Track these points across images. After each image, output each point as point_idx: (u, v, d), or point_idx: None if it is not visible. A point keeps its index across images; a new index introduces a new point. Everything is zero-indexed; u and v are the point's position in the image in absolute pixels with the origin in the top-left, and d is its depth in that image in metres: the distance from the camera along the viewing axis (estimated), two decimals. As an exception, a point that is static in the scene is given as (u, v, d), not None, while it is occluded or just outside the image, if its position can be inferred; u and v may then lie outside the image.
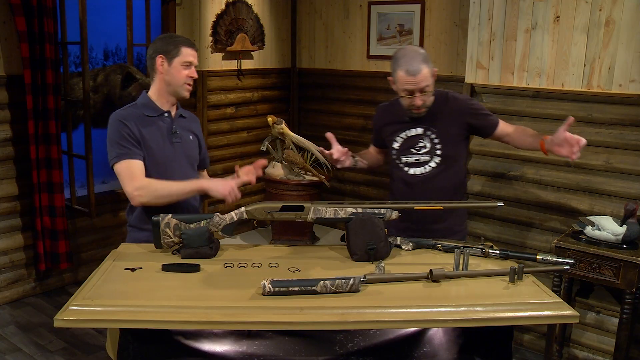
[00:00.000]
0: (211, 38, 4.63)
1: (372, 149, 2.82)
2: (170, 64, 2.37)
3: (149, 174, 2.36)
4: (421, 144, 2.53)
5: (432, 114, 2.50)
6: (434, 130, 2.51)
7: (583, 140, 2.21)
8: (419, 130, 2.53)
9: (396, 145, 2.58)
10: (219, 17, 4.65)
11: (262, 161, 2.49)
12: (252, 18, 4.86)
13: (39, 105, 3.63)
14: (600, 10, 3.01)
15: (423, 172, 2.53)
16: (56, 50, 3.66)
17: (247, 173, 2.46)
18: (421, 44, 4.49)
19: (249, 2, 4.83)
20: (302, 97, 5.35)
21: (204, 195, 2.47)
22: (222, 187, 2.31)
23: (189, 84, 2.41)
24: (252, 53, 4.97)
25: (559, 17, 3.15)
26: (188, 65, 2.39)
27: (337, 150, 2.51)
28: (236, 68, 4.86)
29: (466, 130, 2.54)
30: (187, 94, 2.44)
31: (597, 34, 3.04)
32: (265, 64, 5.12)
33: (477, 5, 3.42)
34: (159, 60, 2.37)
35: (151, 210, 2.30)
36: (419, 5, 4.44)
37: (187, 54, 2.38)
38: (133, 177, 2.29)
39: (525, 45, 3.27)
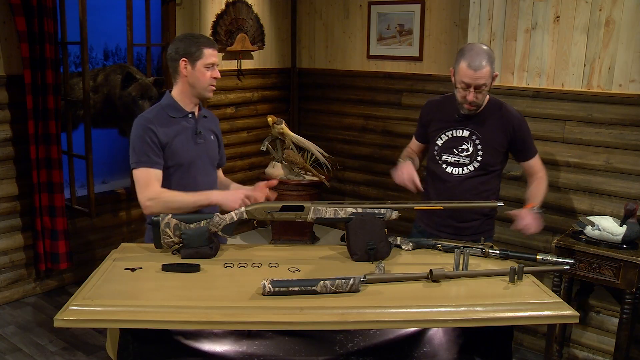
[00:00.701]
0: (211, 38, 4.63)
1: (413, 146, 2.79)
2: (194, 67, 2.36)
3: (172, 174, 2.38)
4: (464, 147, 2.55)
5: (482, 120, 2.53)
6: (479, 136, 2.53)
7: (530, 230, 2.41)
8: (465, 133, 2.55)
9: (439, 142, 2.60)
10: (219, 17, 4.65)
11: (273, 182, 2.46)
12: (252, 18, 4.86)
13: (39, 105, 3.63)
14: (600, 10, 3.01)
15: (460, 173, 2.56)
16: (56, 50, 3.66)
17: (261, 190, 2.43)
18: (421, 44, 4.49)
19: (249, 2, 4.83)
20: (302, 97, 5.35)
21: None
22: (232, 201, 2.29)
23: (213, 85, 2.41)
24: (252, 53, 4.97)
25: (559, 17, 3.15)
26: (211, 66, 2.38)
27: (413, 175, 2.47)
28: (236, 68, 4.86)
29: (508, 144, 2.57)
30: (210, 95, 2.44)
31: (597, 34, 3.04)
32: (265, 64, 5.12)
33: (477, 5, 3.42)
34: (182, 63, 2.36)
35: None
36: (419, 5, 4.44)
37: (210, 55, 2.37)
38: (147, 187, 2.30)
39: (525, 45, 3.28)
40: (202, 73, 2.36)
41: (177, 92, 2.44)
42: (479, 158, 2.53)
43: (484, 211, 2.61)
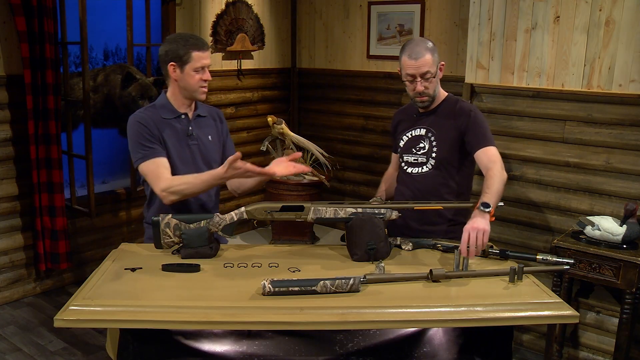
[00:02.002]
0: (211, 38, 4.63)
1: (394, 163, 2.76)
2: (183, 71, 2.33)
3: None
4: (421, 145, 2.53)
5: (437, 116, 2.51)
6: (433, 132, 2.51)
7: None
8: (422, 131, 2.54)
9: (401, 144, 2.60)
10: (219, 17, 4.64)
11: (297, 154, 2.34)
12: (252, 18, 4.86)
13: (39, 105, 3.63)
14: (600, 10, 3.01)
15: (419, 172, 2.53)
16: (56, 50, 3.66)
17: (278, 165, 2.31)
18: (421, 44, 4.48)
19: (249, 2, 4.82)
20: (302, 97, 5.35)
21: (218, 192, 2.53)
22: (239, 174, 2.21)
23: (203, 87, 2.38)
24: (252, 53, 4.97)
25: (559, 17, 3.15)
26: (201, 69, 2.35)
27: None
28: (236, 68, 4.86)
29: (459, 137, 2.46)
30: (203, 97, 2.41)
31: (597, 34, 3.04)
32: (265, 64, 5.12)
33: (477, 5, 3.42)
34: (171, 67, 2.33)
35: (168, 209, 2.31)
36: (419, 5, 4.44)
37: (199, 58, 2.33)
38: (159, 178, 2.28)
39: (525, 45, 3.27)
40: (192, 77, 2.34)
41: (170, 93, 2.43)
42: (434, 155, 2.49)
43: (450, 216, 2.52)
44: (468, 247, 2.04)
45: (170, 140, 2.38)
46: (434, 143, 2.50)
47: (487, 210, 2.14)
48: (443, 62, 2.49)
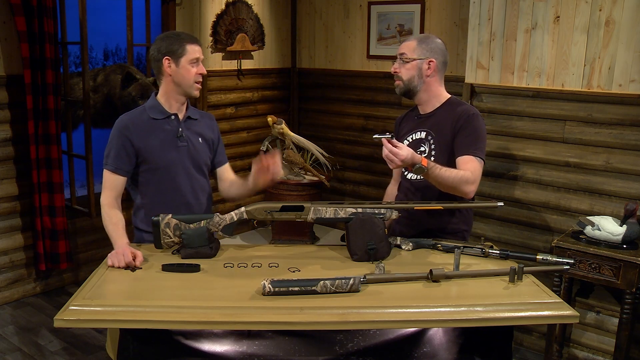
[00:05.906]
0: (211, 38, 4.63)
1: (395, 177, 2.66)
2: (178, 65, 2.32)
3: (151, 177, 2.37)
4: (422, 149, 2.44)
5: (437, 119, 2.44)
6: (433, 135, 2.43)
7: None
8: (423, 134, 2.47)
9: None
10: (219, 17, 4.65)
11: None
12: (252, 18, 4.86)
13: (39, 105, 3.63)
14: (600, 10, 3.01)
15: (417, 178, 2.45)
16: (56, 50, 3.66)
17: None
18: (421, 44, 4.48)
19: (249, 2, 4.83)
20: (302, 97, 5.35)
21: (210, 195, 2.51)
22: (116, 255, 2.09)
23: (198, 82, 2.37)
24: (252, 53, 4.97)
25: (559, 17, 3.15)
26: (196, 62, 2.35)
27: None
28: (236, 68, 4.86)
29: (452, 141, 2.38)
30: (197, 93, 2.40)
31: (597, 34, 3.04)
32: (265, 64, 5.12)
33: (477, 5, 3.42)
34: (166, 62, 2.33)
35: (155, 213, 2.28)
36: (419, 5, 4.44)
37: (194, 51, 2.34)
38: (104, 190, 2.35)
39: (525, 45, 3.27)
40: (187, 70, 2.33)
41: (161, 93, 2.41)
42: (432, 159, 2.35)
43: (447, 228, 2.46)
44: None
45: (157, 142, 2.35)
46: (433, 147, 2.42)
47: (419, 173, 2.15)
48: (433, 60, 2.40)
